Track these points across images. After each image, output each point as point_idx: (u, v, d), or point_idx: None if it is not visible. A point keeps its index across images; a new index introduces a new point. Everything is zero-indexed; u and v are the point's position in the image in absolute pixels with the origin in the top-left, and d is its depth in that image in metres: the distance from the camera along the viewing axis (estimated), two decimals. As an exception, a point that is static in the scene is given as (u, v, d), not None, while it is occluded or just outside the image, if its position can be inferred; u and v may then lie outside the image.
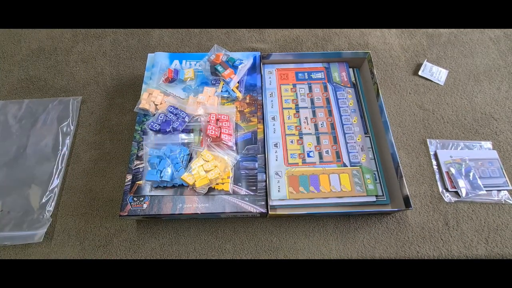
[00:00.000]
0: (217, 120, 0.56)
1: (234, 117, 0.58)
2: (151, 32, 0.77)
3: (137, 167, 0.53)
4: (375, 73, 0.61)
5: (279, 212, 0.53)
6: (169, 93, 0.61)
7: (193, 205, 0.50)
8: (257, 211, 0.50)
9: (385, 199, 0.54)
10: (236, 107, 0.59)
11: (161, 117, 0.56)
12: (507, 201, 0.56)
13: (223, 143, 0.54)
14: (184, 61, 0.65)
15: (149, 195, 0.51)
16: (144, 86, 0.61)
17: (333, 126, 0.60)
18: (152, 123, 0.56)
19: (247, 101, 0.60)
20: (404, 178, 0.50)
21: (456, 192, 0.57)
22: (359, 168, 0.56)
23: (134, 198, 0.50)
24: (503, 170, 0.59)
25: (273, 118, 0.61)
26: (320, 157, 0.57)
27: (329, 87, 0.64)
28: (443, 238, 0.53)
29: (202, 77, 0.63)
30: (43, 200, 0.55)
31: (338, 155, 0.57)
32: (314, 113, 0.61)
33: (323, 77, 0.66)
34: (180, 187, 0.51)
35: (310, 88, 0.64)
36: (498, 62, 0.73)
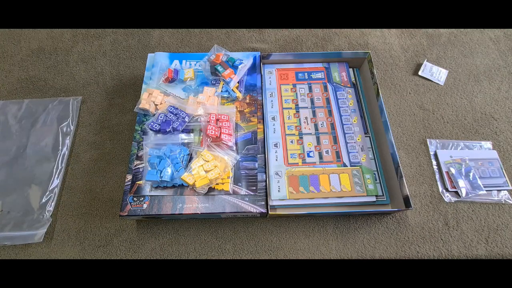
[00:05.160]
0: (217, 120, 0.56)
1: (234, 117, 0.58)
2: (151, 32, 0.77)
3: (137, 167, 0.53)
4: (375, 73, 0.61)
5: (279, 212, 0.53)
6: (169, 93, 0.61)
7: (193, 205, 0.50)
8: (257, 211, 0.50)
9: (385, 199, 0.54)
10: (236, 107, 0.59)
11: (161, 117, 0.56)
12: (507, 201, 0.56)
13: (223, 143, 0.54)
14: (184, 61, 0.65)
15: (149, 195, 0.51)
16: (144, 86, 0.61)
17: (333, 126, 0.60)
18: (152, 123, 0.56)
19: (247, 101, 0.60)
20: (404, 178, 0.50)
21: (456, 192, 0.57)
22: (359, 168, 0.56)
23: (134, 198, 0.50)
24: (503, 170, 0.59)
25: (273, 118, 0.61)
26: (320, 157, 0.57)
27: (329, 87, 0.64)
28: (443, 238, 0.53)
29: (202, 77, 0.63)
30: (43, 200, 0.55)
31: (338, 155, 0.57)
32: (314, 113, 0.61)
33: (323, 77, 0.66)
34: (180, 187, 0.51)
35: (310, 88, 0.64)
36: (498, 62, 0.73)
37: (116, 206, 0.55)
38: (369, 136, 0.59)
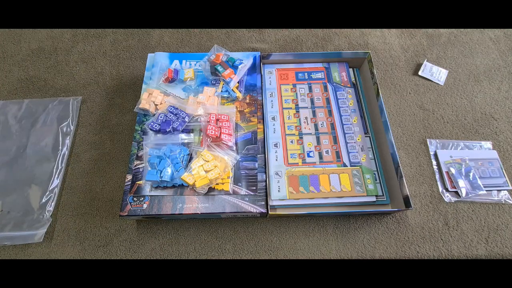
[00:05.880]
0: (217, 120, 0.56)
1: (234, 117, 0.58)
2: (151, 32, 0.77)
3: (137, 167, 0.53)
4: (375, 73, 0.61)
5: (279, 212, 0.53)
6: (169, 93, 0.61)
7: (193, 205, 0.50)
8: (257, 211, 0.50)
9: (385, 199, 0.54)
10: (236, 107, 0.59)
11: (161, 117, 0.56)
12: (507, 201, 0.56)
13: (223, 143, 0.54)
14: (184, 61, 0.65)
15: (149, 195, 0.51)
16: (144, 86, 0.61)
17: (333, 126, 0.60)
18: (152, 123, 0.56)
19: (247, 101, 0.60)
20: (404, 178, 0.50)
21: (456, 192, 0.57)
22: (359, 168, 0.56)
23: (134, 198, 0.50)
24: (503, 170, 0.59)
25: (273, 118, 0.61)
26: (320, 157, 0.57)
27: (329, 87, 0.64)
28: (443, 238, 0.53)
29: (202, 77, 0.63)
30: (43, 200, 0.55)
31: (338, 155, 0.57)
32: (314, 113, 0.61)
33: (323, 77, 0.66)
34: (180, 187, 0.51)
35: (310, 88, 0.64)
36: (498, 62, 0.73)
37: (116, 206, 0.55)
38: (369, 136, 0.59)
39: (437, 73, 0.70)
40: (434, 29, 0.78)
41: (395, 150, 0.53)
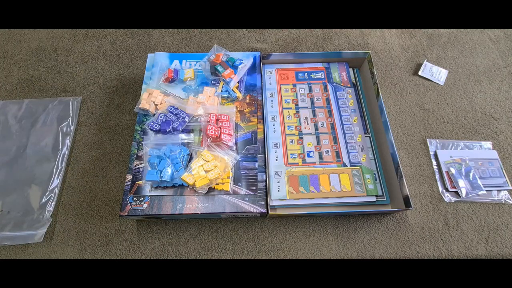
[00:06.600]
0: (217, 120, 0.56)
1: (234, 117, 0.58)
2: (151, 32, 0.77)
3: (137, 167, 0.53)
4: (375, 73, 0.61)
5: (279, 212, 0.53)
6: (169, 93, 0.61)
7: (193, 205, 0.50)
8: (257, 211, 0.50)
9: (385, 199, 0.54)
10: (236, 107, 0.59)
11: (161, 117, 0.56)
12: (507, 201, 0.56)
13: (223, 143, 0.54)
14: (184, 61, 0.65)
15: (149, 195, 0.51)
16: (144, 86, 0.61)
17: (333, 126, 0.60)
18: (152, 123, 0.56)
19: (247, 101, 0.60)
20: (404, 178, 0.50)
21: (456, 192, 0.57)
22: (359, 168, 0.56)
23: (134, 198, 0.50)
24: (503, 170, 0.59)
25: (273, 118, 0.61)
26: (320, 157, 0.57)
27: (329, 87, 0.64)
28: (443, 238, 0.53)
29: (202, 77, 0.63)
30: (43, 200, 0.55)
31: (338, 155, 0.57)
32: (314, 113, 0.61)
33: (323, 77, 0.66)
34: (180, 187, 0.51)
35: (310, 88, 0.64)
36: (498, 62, 0.73)
37: (116, 206, 0.55)
38: (369, 136, 0.59)
39: (437, 73, 0.70)
40: (434, 29, 0.78)
41: (395, 150, 0.53)
